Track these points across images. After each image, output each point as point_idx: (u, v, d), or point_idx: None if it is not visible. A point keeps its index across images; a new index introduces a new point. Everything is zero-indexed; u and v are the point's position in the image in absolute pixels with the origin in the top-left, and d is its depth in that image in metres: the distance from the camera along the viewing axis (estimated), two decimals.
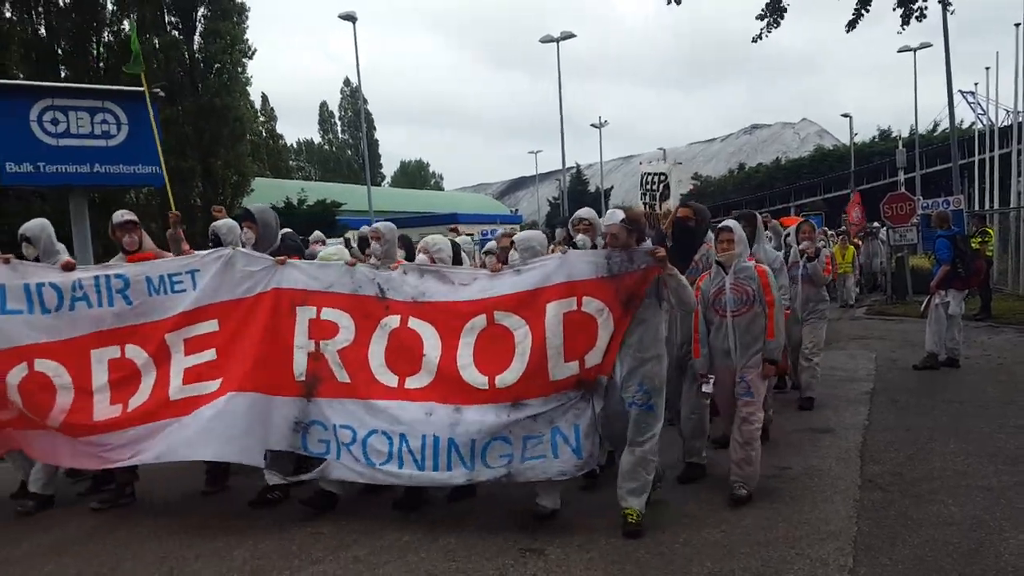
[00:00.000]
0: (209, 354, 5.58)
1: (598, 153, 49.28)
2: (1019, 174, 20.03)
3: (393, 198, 45.34)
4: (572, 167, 59.73)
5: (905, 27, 15.31)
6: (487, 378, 5.15)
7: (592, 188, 60.25)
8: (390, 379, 5.38)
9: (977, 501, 5.29)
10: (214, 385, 5.45)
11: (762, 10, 14.79)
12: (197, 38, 25.69)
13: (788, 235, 9.26)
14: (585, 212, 6.16)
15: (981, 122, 26.39)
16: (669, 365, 5.42)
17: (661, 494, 5.51)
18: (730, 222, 5.72)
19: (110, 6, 23.60)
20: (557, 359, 5.04)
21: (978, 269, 11.09)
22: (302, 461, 5.60)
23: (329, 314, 5.50)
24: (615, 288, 4.99)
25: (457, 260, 6.25)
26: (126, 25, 23.73)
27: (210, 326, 5.62)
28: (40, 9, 22.33)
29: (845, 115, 44.65)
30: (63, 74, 21.63)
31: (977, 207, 23.42)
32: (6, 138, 10.11)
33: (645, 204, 9.78)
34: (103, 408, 5.58)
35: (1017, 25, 18.85)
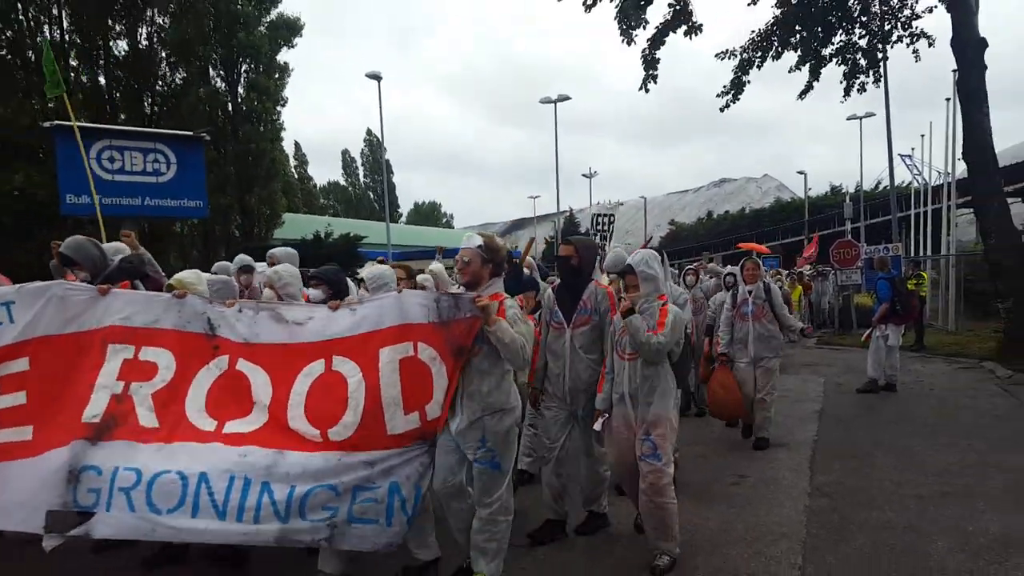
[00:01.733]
0: (19, 397, 4.05)
1: (587, 199, 49.51)
2: (948, 226, 20.26)
3: (408, 234, 45.37)
4: (566, 211, 60.10)
5: (847, 98, 15.77)
6: (319, 431, 3.84)
7: (583, 230, 60.47)
8: (207, 423, 3.94)
9: (910, 508, 5.27)
10: (26, 432, 3.97)
11: (724, 87, 15.18)
12: (240, 90, 25.88)
13: (728, 274, 8.60)
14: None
15: (917, 181, 26.57)
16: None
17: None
18: (632, 260, 4.53)
19: (163, 60, 23.80)
20: (395, 410, 3.83)
21: (913, 307, 11.30)
22: None
23: (149, 354, 4.09)
24: (445, 335, 3.88)
25: (342, 294, 4.68)
26: (178, 76, 23.92)
27: (21, 365, 4.07)
28: (101, 60, 22.51)
29: (801, 172, 45.87)
30: (120, 118, 21.73)
31: (913, 254, 23.59)
32: (68, 172, 10.17)
33: (598, 246, 9.70)
34: None
35: (948, 99, 19.15)
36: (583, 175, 47.42)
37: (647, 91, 14.68)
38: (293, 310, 4.19)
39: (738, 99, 15.12)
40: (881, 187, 45.00)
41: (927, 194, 24.86)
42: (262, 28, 25.91)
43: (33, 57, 20.69)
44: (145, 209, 11.25)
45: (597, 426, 4.55)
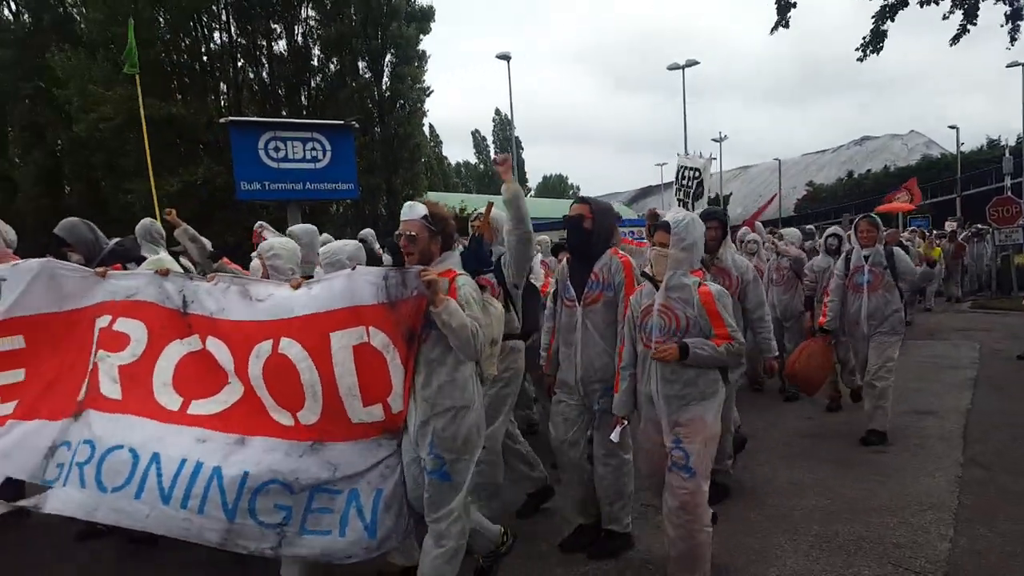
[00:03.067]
0: (17, 374, 3.89)
1: (718, 164, 47.60)
2: None
3: (537, 207, 45.62)
4: None
5: (1013, 44, 13.91)
6: (290, 413, 3.38)
7: (712, 195, 58.43)
8: (172, 401, 3.59)
9: None
10: (8, 407, 3.81)
11: (863, 39, 13.88)
12: (385, 79, 26.79)
13: (832, 235, 7.65)
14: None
15: None
16: None
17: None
18: (672, 219, 3.57)
19: (317, 56, 25.01)
20: (352, 401, 3.29)
21: None
22: None
23: (123, 324, 3.77)
24: (394, 318, 3.23)
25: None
26: (330, 69, 25.11)
27: (14, 342, 3.90)
28: (264, 60, 23.99)
29: (952, 127, 41.05)
30: (282, 112, 23.11)
31: None
32: (241, 162, 11.00)
33: (679, 200, 8.33)
34: None
35: None
36: (713, 139, 45.56)
37: (786, 26, 13.68)
38: (258, 286, 3.68)
39: (879, 50, 13.86)
40: None
41: None
42: (406, 21, 26.58)
43: (207, 60, 22.42)
44: (306, 193, 12.03)
45: (614, 436, 3.79)
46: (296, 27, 24.18)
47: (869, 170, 67.70)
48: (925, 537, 4.07)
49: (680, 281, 3.48)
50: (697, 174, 8.32)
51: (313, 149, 11.79)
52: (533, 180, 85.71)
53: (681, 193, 8.44)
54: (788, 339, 7.65)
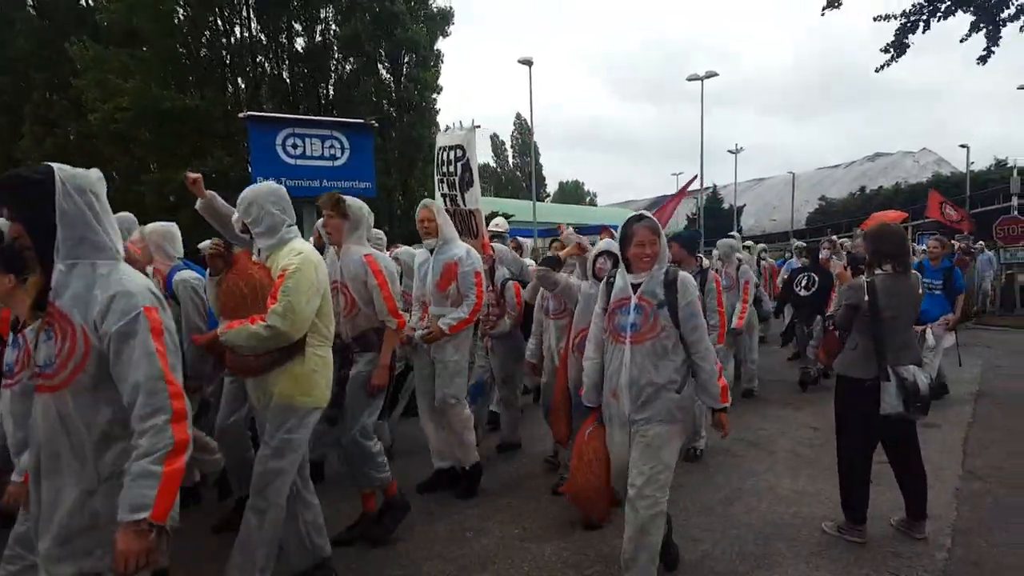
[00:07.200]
0: None
1: (732, 175, 47.43)
2: None
3: (554, 212, 45.65)
4: (709, 187, 58.02)
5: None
6: None
7: (726, 206, 58.26)
8: None
9: None
10: None
11: (887, 45, 13.83)
12: (403, 80, 26.91)
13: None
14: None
15: None
16: None
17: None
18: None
19: (334, 55, 25.15)
20: None
21: None
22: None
23: None
24: None
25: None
26: (347, 68, 25.27)
27: None
28: (284, 57, 24.14)
29: (963, 146, 41.00)
30: (300, 109, 23.24)
31: None
32: (259, 157, 11.09)
33: (444, 196, 6.31)
34: None
35: None
36: (728, 150, 45.37)
37: (839, 5, 13.65)
38: None
39: (897, 59, 13.82)
40: None
41: None
42: (420, 24, 26.66)
43: (227, 55, 22.55)
44: (323, 190, 12.04)
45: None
46: (316, 25, 24.33)
47: (881, 186, 67.57)
48: (923, 547, 4.12)
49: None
50: (461, 153, 6.06)
51: (331, 147, 11.86)
52: (551, 186, 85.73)
53: (444, 186, 6.26)
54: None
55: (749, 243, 13.60)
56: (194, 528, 4.16)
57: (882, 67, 13.93)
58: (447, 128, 7.13)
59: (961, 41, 13.60)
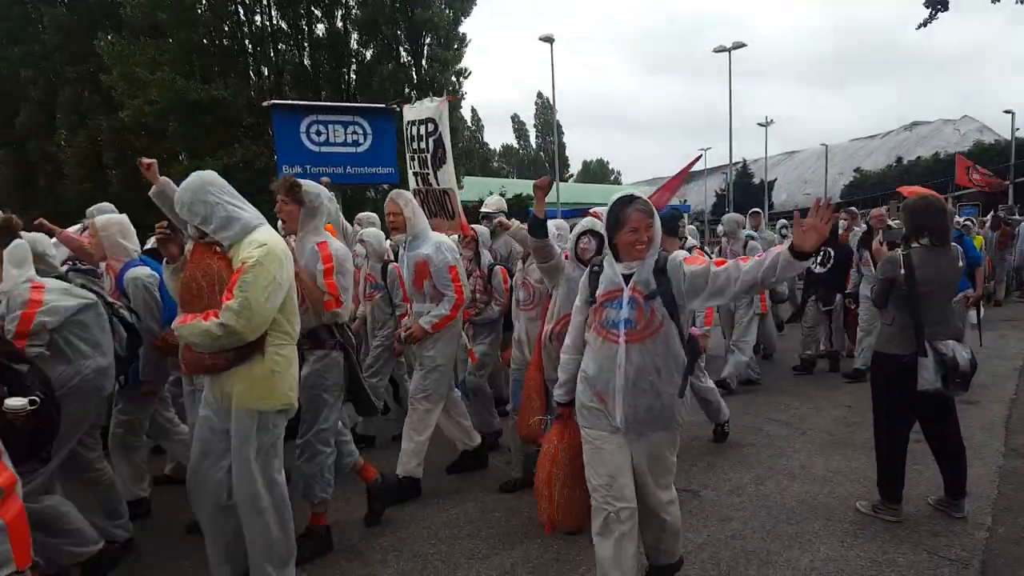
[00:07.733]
0: None
1: (762, 149, 46.64)
2: None
3: (578, 192, 45.40)
4: (739, 162, 57.17)
5: None
6: None
7: (756, 180, 57.42)
8: None
9: None
10: None
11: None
12: (424, 63, 26.78)
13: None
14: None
15: None
16: None
17: None
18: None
19: (355, 40, 25.08)
20: None
21: None
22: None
23: None
24: None
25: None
26: (368, 53, 25.19)
27: None
28: (305, 44, 24.16)
29: (1008, 111, 37.98)
30: (323, 95, 23.28)
31: None
32: (283, 145, 11.14)
33: (416, 175, 6.05)
34: None
35: None
36: (759, 123, 44.50)
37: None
38: None
39: (939, 15, 13.30)
40: None
41: None
42: (441, 6, 26.42)
43: (249, 44, 22.65)
44: (347, 177, 12.10)
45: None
46: (336, 10, 24.27)
47: (919, 156, 65.81)
48: (962, 526, 4.03)
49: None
50: (433, 128, 5.70)
51: (354, 133, 11.87)
52: (574, 165, 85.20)
53: (416, 163, 5.94)
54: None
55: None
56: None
57: (923, 24, 13.40)
58: (414, 100, 6.93)
59: (993, 1, 13.08)
